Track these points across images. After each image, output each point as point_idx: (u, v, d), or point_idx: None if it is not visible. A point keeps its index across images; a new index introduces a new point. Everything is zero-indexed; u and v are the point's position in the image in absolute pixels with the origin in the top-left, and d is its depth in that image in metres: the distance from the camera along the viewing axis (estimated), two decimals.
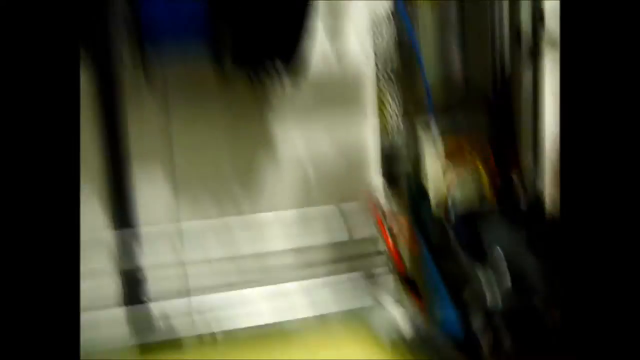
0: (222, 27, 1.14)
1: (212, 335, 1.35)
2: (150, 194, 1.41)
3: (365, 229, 1.42)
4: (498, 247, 0.90)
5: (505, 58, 1.10)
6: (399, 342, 1.14)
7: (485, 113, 1.09)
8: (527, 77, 1.09)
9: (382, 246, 1.26)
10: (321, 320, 1.38)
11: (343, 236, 1.47)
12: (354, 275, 1.47)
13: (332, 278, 1.47)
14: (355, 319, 1.34)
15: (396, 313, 1.17)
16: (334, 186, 1.52)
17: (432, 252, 0.97)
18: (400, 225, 1.08)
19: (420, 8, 1.15)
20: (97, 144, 1.35)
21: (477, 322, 0.88)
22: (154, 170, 1.41)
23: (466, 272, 0.91)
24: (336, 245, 1.47)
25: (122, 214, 1.40)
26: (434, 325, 1.00)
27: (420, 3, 1.15)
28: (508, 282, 0.86)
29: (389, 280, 1.24)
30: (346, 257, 1.48)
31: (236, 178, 1.48)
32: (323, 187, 1.52)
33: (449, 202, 0.97)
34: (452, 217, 0.95)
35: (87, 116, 1.32)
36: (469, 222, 0.96)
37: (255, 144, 1.48)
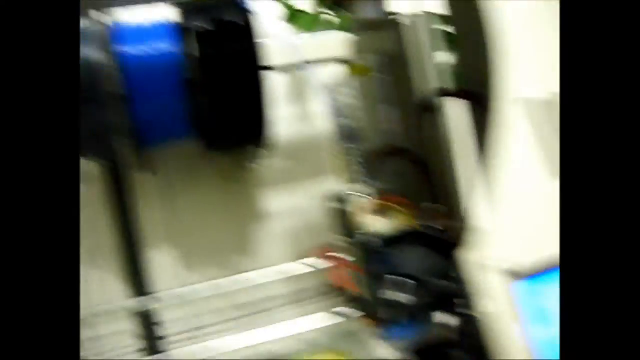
0: (199, 124, 1.40)
1: None
2: (159, 262, 1.68)
3: None
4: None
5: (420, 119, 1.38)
6: None
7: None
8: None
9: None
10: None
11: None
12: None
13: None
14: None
15: None
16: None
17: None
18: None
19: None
20: (112, 225, 1.64)
21: None
22: (161, 240, 1.68)
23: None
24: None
25: (137, 282, 1.67)
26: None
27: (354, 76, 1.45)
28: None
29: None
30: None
31: (229, 239, 1.74)
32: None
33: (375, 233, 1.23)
34: (378, 242, 1.22)
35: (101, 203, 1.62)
36: (392, 245, 1.22)
37: (242, 206, 1.75)
